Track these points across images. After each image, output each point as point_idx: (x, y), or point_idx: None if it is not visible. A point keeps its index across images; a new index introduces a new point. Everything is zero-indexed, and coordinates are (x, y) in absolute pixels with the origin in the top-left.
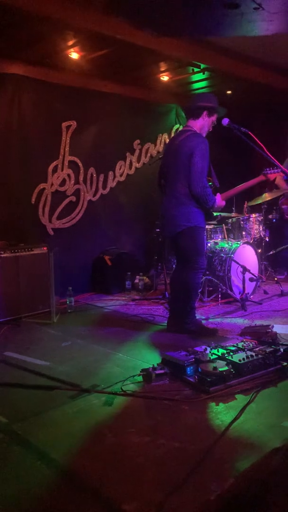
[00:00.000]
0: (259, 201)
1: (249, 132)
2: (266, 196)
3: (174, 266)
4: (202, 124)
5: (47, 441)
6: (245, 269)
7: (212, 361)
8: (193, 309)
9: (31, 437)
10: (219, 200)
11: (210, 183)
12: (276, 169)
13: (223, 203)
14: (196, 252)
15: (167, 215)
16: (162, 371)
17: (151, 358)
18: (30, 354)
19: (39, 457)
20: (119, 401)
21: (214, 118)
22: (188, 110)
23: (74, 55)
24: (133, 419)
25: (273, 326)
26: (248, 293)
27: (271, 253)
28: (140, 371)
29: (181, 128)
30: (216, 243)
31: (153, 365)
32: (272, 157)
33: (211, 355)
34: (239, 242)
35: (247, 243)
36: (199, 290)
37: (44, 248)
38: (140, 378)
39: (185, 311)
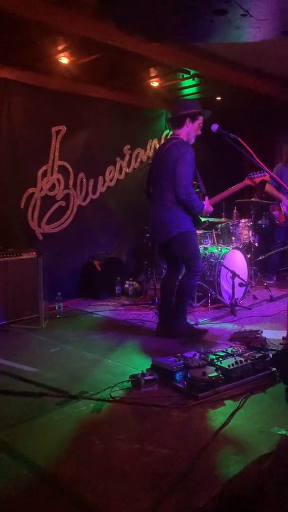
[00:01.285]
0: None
1: (239, 139)
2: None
3: (164, 271)
4: (188, 130)
5: (34, 448)
6: (234, 274)
7: (201, 366)
8: (186, 312)
9: (18, 444)
10: (207, 205)
11: (197, 190)
12: (260, 173)
13: (211, 208)
14: (192, 256)
15: (157, 222)
16: (151, 377)
17: (140, 364)
18: (18, 360)
19: (26, 465)
20: (107, 408)
21: (199, 121)
22: (171, 121)
23: (64, 60)
24: (121, 426)
25: (262, 332)
26: (237, 298)
27: (260, 258)
28: (129, 377)
29: (170, 134)
30: (205, 248)
31: (142, 371)
32: (262, 164)
33: (201, 361)
34: (228, 247)
35: (237, 248)
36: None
37: (33, 253)
38: (129, 384)
39: (177, 313)
